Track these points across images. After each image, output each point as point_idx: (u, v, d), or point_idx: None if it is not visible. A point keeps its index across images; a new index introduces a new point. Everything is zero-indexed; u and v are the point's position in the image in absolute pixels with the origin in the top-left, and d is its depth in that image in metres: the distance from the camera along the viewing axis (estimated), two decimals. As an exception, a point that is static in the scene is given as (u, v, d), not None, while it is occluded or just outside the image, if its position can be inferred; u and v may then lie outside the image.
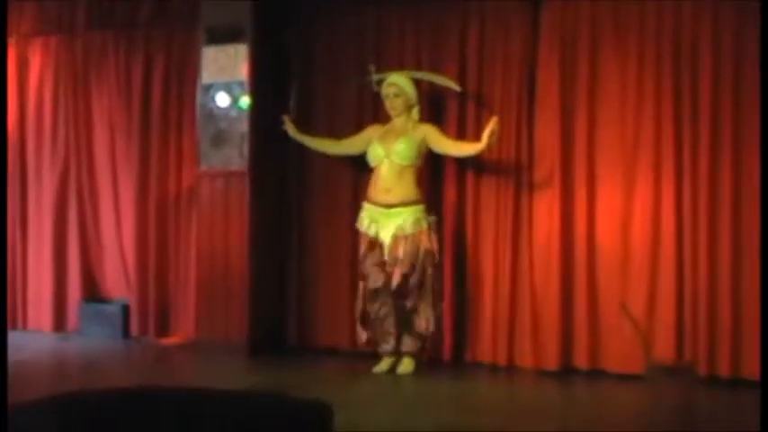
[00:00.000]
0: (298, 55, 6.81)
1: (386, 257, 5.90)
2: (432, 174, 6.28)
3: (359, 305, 6.05)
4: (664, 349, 5.62)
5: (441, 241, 6.12)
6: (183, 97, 7.10)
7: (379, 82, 6.23)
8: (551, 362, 5.99)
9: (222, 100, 6.63)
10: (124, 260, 7.40)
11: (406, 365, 5.99)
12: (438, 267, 6.04)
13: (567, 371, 5.98)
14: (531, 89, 6.17)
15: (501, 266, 6.20)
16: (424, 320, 5.90)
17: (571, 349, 6.02)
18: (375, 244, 5.95)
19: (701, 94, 5.72)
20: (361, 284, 6.06)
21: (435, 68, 6.39)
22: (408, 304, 5.88)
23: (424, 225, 5.90)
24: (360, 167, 6.33)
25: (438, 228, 6.08)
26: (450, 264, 6.31)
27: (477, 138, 5.95)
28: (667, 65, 5.81)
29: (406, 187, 5.93)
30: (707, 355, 5.63)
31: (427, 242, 5.89)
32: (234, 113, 6.61)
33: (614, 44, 5.96)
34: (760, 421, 3.89)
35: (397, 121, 6.10)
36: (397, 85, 6.08)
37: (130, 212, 7.31)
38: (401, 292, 5.85)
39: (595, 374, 5.92)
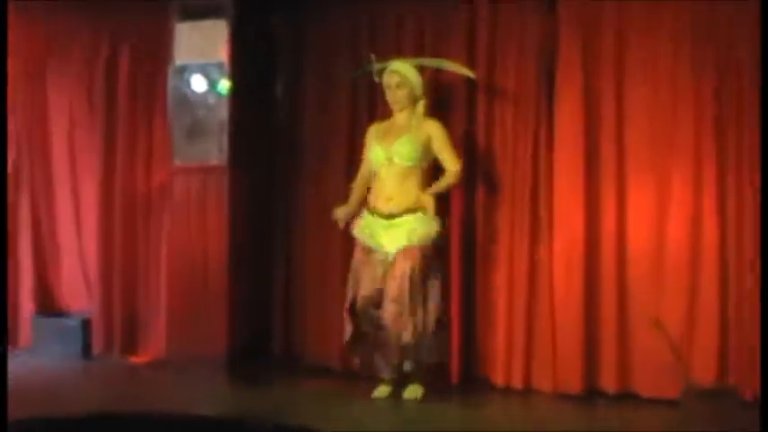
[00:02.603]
0: (285, 44, 6.72)
1: (385, 270, 5.46)
2: (434, 171, 5.93)
3: (349, 327, 5.64)
4: (703, 370, 5.45)
5: (446, 248, 5.86)
6: (154, 81, 6.88)
7: (381, 71, 5.88)
8: (574, 384, 5.78)
9: (198, 84, 6.45)
10: (85, 267, 7.21)
11: (413, 390, 5.65)
12: (443, 280, 5.72)
13: (591, 394, 5.79)
14: (551, 79, 5.93)
15: (516, 276, 5.99)
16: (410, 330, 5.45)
17: (596, 370, 5.83)
18: (373, 256, 5.53)
19: (744, 85, 5.48)
20: (349, 300, 5.65)
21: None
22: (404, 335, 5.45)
23: (431, 235, 5.52)
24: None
25: (444, 234, 5.76)
26: (457, 274, 6.07)
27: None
28: (708, 54, 5.58)
29: (409, 193, 5.53)
30: (752, 377, 5.34)
31: (431, 255, 5.53)
32: (212, 100, 6.43)
33: (645, 26, 5.74)
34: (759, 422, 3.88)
35: (400, 117, 5.69)
36: (401, 73, 5.67)
37: (92, 214, 7.11)
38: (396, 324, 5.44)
39: (624, 398, 5.73)
